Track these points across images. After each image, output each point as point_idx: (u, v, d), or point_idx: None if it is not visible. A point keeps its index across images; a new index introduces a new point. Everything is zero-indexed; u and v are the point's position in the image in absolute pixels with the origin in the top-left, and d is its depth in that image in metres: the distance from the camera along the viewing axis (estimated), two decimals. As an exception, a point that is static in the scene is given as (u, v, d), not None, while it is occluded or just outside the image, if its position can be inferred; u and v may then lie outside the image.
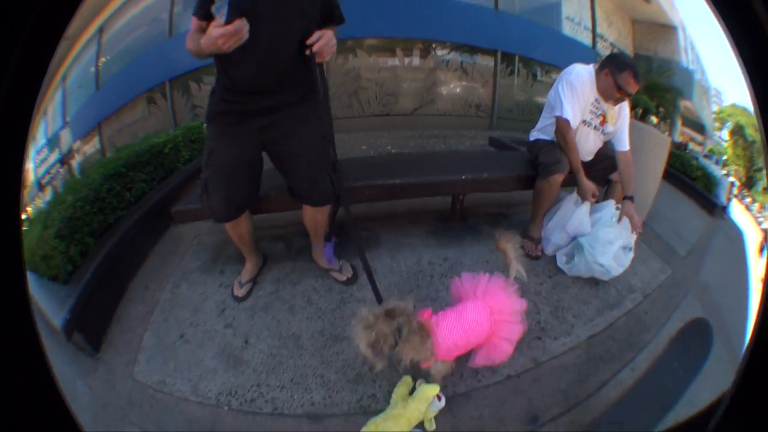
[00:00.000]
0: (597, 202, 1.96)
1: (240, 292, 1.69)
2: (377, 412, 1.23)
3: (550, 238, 1.98)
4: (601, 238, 1.85)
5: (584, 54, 3.45)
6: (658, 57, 5.44)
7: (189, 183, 2.27)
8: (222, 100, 1.36)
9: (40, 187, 2.44)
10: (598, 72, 1.90)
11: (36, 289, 1.63)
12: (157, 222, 2.19)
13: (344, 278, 1.72)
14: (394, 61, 2.32)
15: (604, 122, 1.96)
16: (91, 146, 2.66)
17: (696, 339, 1.47)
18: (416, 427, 1.21)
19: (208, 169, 1.46)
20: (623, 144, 2.00)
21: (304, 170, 1.50)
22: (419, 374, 1.29)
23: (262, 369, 1.41)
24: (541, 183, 1.88)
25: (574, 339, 1.63)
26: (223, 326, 1.59)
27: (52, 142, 2.56)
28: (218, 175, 1.46)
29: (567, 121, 1.87)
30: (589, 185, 1.91)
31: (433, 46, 3.12)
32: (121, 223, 2.12)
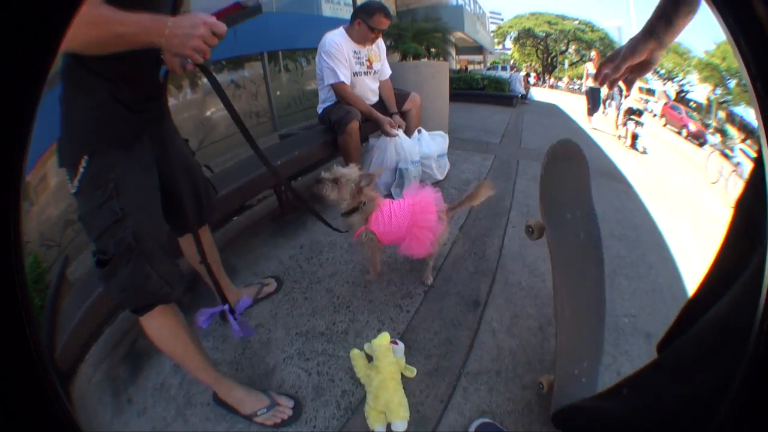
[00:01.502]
0: (399, 128, 2.32)
1: (284, 410, 1.26)
2: (361, 399, 1.19)
3: (378, 182, 2.22)
4: (413, 153, 2.26)
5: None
6: (423, 6, 6.36)
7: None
8: (114, 110, 0.99)
9: None
10: (349, 28, 2.20)
11: None
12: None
13: (274, 288, 1.64)
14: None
15: (371, 65, 2.31)
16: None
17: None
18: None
19: (126, 221, 0.98)
20: (387, 72, 2.42)
21: (198, 180, 1.29)
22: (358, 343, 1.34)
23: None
24: (342, 137, 2.09)
25: (450, 236, 1.85)
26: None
27: None
28: (146, 220, 1.02)
29: (340, 83, 2.15)
30: (384, 118, 2.23)
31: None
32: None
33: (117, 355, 1.69)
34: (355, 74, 2.25)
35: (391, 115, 2.36)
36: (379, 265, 1.60)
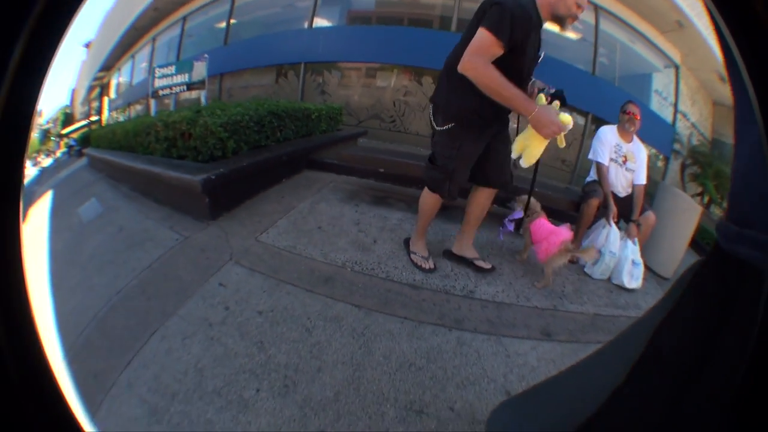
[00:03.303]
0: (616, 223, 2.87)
1: (429, 264, 2.18)
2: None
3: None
4: (614, 246, 2.80)
5: (664, 131, 4.04)
6: (731, 143, 5.81)
7: (324, 146, 3.28)
8: (480, 115, 1.88)
9: (155, 96, 3.38)
10: (618, 125, 2.98)
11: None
12: (294, 163, 3.05)
13: (489, 266, 2.30)
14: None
15: (626, 161, 3.01)
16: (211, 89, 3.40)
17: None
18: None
19: (454, 160, 1.94)
20: (640, 179, 3.03)
21: (504, 166, 2.13)
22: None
23: (384, 256, 2.23)
24: (583, 204, 2.89)
25: (583, 309, 2.40)
26: (357, 231, 2.42)
27: (180, 68, 3.35)
28: (463, 165, 1.98)
29: (599, 162, 2.97)
30: (613, 209, 2.85)
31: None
32: (270, 147, 2.92)
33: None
34: (611, 160, 2.97)
35: (630, 220, 2.92)
36: (526, 254, 2.52)
